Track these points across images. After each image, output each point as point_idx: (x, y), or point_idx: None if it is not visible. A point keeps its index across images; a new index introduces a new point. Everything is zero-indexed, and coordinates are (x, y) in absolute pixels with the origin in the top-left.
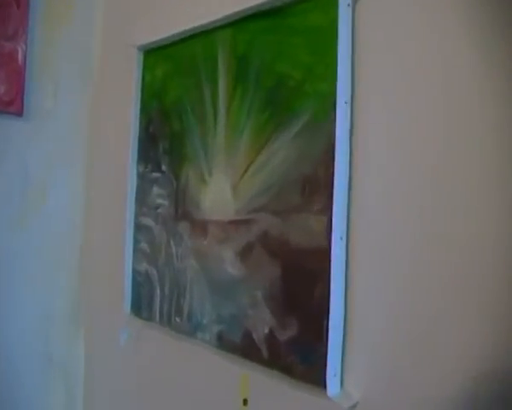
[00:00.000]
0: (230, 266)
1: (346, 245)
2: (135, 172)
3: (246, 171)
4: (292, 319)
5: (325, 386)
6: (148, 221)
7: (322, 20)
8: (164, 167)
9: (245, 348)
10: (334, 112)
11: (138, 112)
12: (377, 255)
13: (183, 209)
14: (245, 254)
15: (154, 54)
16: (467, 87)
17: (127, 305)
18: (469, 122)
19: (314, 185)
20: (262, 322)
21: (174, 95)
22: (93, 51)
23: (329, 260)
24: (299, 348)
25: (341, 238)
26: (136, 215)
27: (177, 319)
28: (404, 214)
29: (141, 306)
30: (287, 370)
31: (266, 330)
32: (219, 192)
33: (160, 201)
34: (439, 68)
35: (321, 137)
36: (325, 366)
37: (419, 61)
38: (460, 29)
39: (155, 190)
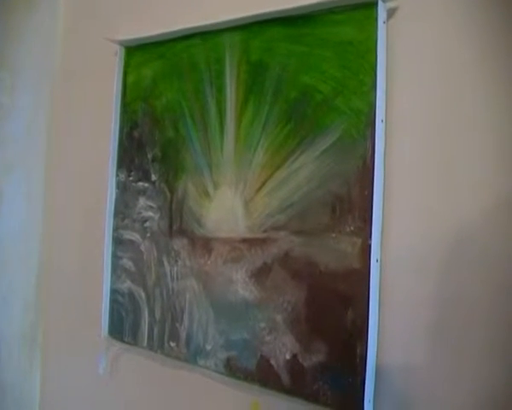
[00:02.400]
0: (242, 287)
1: (380, 267)
2: (114, 179)
3: (261, 187)
4: (320, 344)
5: None
6: (131, 235)
7: (356, 34)
8: (154, 177)
9: (260, 375)
10: (371, 130)
11: (119, 113)
12: (408, 277)
13: (179, 224)
14: (261, 275)
15: (140, 51)
16: (499, 108)
17: (104, 327)
18: (500, 143)
19: (347, 206)
20: (282, 347)
21: (168, 99)
22: (58, 43)
23: (367, 283)
24: (328, 374)
25: (377, 260)
26: (116, 228)
27: (172, 344)
28: (435, 234)
29: (122, 329)
30: (312, 397)
31: (288, 356)
32: (228, 208)
33: (148, 213)
34: (466, 84)
35: (353, 155)
36: (362, 392)
37: (449, 80)
38: (494, 48)
39: (142, 201)
